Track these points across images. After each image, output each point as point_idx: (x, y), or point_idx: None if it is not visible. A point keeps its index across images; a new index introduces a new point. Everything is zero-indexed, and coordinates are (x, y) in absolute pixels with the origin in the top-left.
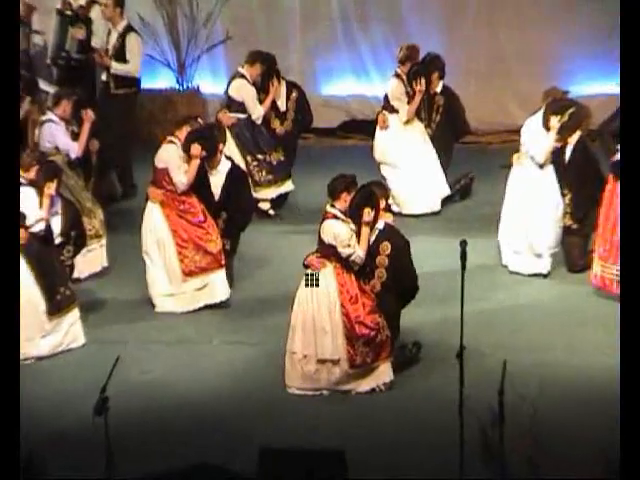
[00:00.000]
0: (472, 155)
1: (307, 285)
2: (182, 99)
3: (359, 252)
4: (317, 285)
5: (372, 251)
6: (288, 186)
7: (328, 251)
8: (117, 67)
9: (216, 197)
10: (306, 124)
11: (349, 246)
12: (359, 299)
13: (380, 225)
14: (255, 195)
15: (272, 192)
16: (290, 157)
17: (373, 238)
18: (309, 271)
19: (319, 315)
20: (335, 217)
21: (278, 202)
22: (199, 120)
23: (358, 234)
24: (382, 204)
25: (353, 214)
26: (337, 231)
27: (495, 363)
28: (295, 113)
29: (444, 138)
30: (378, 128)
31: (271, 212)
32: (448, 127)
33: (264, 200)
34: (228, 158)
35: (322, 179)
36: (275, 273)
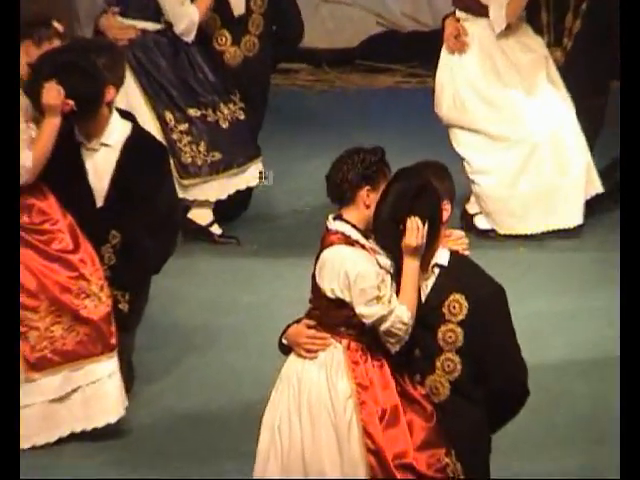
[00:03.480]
0: None
1: (290, 386)
2: None
3: (401, 313)
4: (313, 387)
5: (428, 313)
6: (252, 175)
7: (334, 314)
8: None
9: (99, 200)
10: (290, 42)
11: (378, 300)
12: (401, 416)
13: (442, 258)
14: (183, 195)
15: (219, 189)
16: (257, 113)
17: (430, 284)
18: (294, 357)
19: (316, 447)
20: (346, 240)
21: (232, 209)
22: (58, 28)
23: (397, 276)
24: (447, 211)
25: (384, 232)
26: (352, 269)
27: None
28: (266, 20)
29: (591, 70)
30: (445, 51)
31: (216, 231)
32: (598, 48)
33: (202, 205)
34: (126, 116)
35: (325, 159)
36: (224, 362)
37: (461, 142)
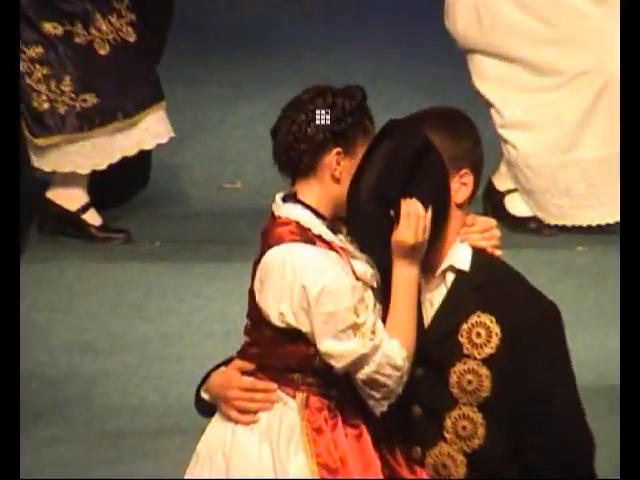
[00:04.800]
0: None
1: (213, 467)
2: None
3: (392, 351)
4: (250, 469)
5: (436, 343)
6: (149, 132)
7: (284, 352)
8: None
9: None
10: None
11: (356, 331)
12: None
13: (461, 258)
14: (37, 163)
15: (96, 153)
16: (156, 31)
17: (439, 298)
18: (219, 421)
19: None
20: (304, 234)
21: (119, 187)
22: None
23: (385, 292)
24: (467, 186)
25: (364, 222)
26: (314, 281)
27: None
28: None
29: None
30: None
31: (94, 221)
32: None
33: (70, 180)
34: None
35: (267, 106)
36: (104, 432)
37: (486, 77)
